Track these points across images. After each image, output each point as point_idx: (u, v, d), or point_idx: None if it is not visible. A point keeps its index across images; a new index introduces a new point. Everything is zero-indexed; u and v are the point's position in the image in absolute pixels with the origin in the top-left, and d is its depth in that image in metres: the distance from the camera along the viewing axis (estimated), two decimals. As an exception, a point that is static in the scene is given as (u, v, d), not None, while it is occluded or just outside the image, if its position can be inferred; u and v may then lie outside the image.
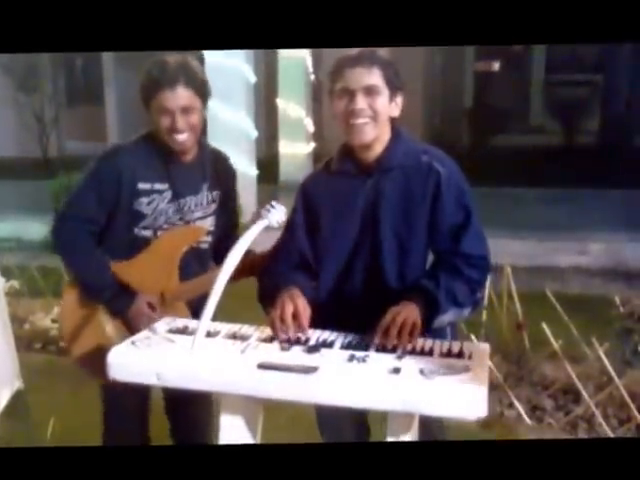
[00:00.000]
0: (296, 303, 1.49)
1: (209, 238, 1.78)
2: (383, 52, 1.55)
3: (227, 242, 1.77)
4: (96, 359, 1.66)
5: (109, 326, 1.72)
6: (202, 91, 1.67)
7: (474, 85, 11.35)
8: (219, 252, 1.77)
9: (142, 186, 1.68)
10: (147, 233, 1.71)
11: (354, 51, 1.51)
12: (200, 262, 1.78)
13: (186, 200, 1.73)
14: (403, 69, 1.59)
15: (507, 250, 3.59)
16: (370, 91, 1.49)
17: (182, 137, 1.65)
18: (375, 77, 1.49)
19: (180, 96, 1.61)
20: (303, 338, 1.46)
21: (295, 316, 1.47)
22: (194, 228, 1.75)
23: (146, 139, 1.73)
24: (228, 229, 1.84)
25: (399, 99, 1.55)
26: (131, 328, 1.68)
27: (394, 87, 1.53)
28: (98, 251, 1.72)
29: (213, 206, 1.78)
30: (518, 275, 3.13)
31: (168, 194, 1.71)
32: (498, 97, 11.00)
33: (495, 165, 7.30)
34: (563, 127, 10.12)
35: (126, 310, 1.69)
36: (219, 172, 1.79)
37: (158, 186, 1.70)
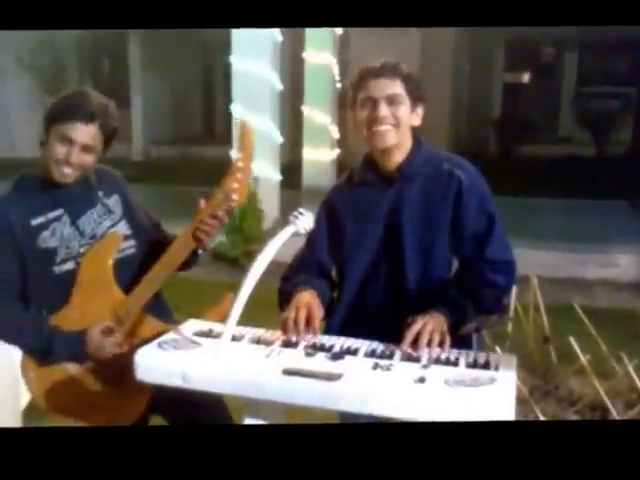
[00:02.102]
0: (310, 306, 1.50)
1: (132, 242, 1.71)
2: (405, 66, 1.57)
3: (152, 238, 1.74)
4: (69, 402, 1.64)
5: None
6: (109, 139, 1.62)
7: (503, 95, 11.30)
8: (147, 252, 1.70)
9: (36, 222, 1.60)
10: (69, 266, 1.62)
11: (377, 63, 1.55)
12: (136, 269, 1.67)
13: (87, 215, 1.66)
14: (432, 79, 1.60)
15: (533, 261, 3.54)
16: (392, 100, 1.52)
17: (68, 171, 1.58)
18: (397, 87, 1.53)
19: (89, 134, 1.56)
20: (313, 342, 1.45)
21: (308, 319, 1.48)
22: (108, 238, 1.66)
23: (21, 180, 1.66)
24: (145, 227, 1.76)
25: (420, 109, 1.58)
26: (100, 363, 1.61)
27: (415, 98, 1.56)
28: (29, 314, 1.61)
29: (118, 211, 1.71)
30: (544, 287, 3.08)
31: (66, 218, 1.63)
32: (527, 108, 10.94)
33: (522, 174, 7.22)
34: (594, 139, 10.02)
35: (84, 352, 1.60)
36: (105, 178, 1.73)
37: (52, 214, 1.61)
